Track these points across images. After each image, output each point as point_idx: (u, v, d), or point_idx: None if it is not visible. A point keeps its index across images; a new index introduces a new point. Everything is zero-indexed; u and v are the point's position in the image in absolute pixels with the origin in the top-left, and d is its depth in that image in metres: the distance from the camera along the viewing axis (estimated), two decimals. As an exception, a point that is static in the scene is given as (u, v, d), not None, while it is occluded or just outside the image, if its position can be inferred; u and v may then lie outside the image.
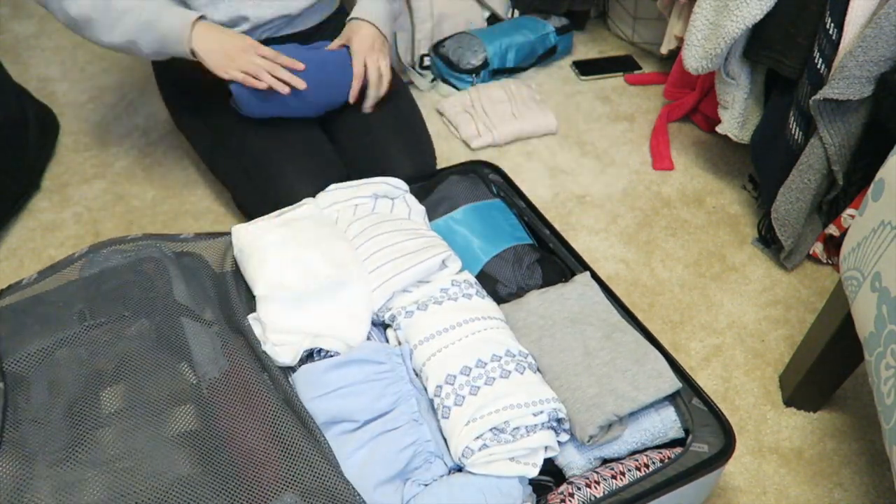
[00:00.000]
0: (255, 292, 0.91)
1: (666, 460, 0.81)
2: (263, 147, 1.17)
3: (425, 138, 1.29)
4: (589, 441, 0.80)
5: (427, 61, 1.69)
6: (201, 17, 1.08)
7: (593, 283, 0.97)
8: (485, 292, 0.95)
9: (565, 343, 0.89)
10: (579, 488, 0.78)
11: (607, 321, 0.92)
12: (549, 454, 0.80)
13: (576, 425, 0.81)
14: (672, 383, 0.84)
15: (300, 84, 1.10)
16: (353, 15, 1.20)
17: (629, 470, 0.80)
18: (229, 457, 0.74)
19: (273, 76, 1.09)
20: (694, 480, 0.76)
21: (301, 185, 1.12)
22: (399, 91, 1.29)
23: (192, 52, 1.08)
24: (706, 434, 0.80)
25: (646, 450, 0.84)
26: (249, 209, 1.21)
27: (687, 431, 0.83)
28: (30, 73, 1.68)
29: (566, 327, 0.90)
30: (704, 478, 0.77)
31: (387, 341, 0.93)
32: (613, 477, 0.80)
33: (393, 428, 0.79)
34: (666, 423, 0.84)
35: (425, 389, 0.85)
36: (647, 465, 0.81)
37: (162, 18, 1.06)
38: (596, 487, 0.79)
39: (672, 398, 0.84)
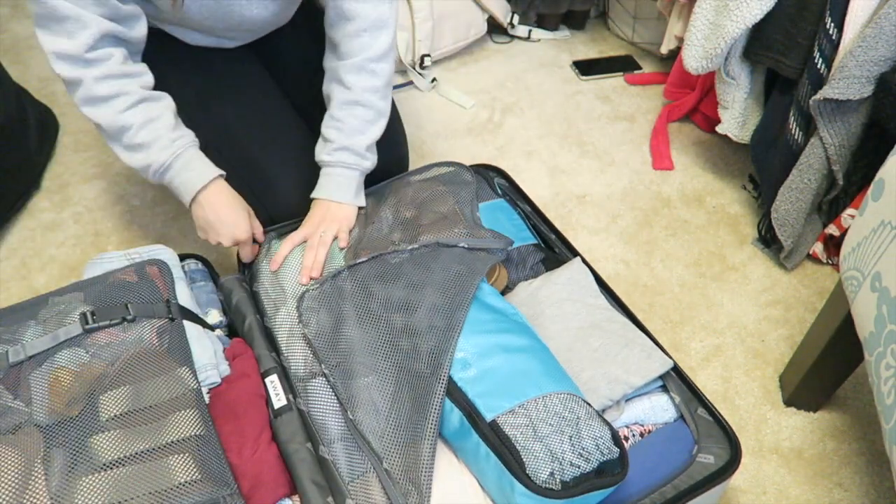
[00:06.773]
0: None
1: (646, 433, 0.81)
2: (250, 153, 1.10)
3: (397, 127, 1.22)
4: None
5: (427, 61, 1.69)
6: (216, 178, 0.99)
7: (583, 267, 0.97)
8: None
9: (554, 330, 0.89)
10: None
11: (595, 305, 0.92)
12: None
13: None
14: (663, 363, 0.84)
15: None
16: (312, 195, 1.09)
17: None
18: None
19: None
20: (702, 493, 0.76)
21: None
22: None
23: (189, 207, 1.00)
24: (711, 445, 0.79)
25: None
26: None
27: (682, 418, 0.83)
28: (30, 73, 1.68)
29: (554, 314, 0.91)
30: (711, 490, 0.77)
31: None
32: None
33: None
34: (657, 409, 0.84)
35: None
36: (626, 438, 0.81)
37: (175, 176, 0.97)
38: None
39: (678, 409, 0.84)
